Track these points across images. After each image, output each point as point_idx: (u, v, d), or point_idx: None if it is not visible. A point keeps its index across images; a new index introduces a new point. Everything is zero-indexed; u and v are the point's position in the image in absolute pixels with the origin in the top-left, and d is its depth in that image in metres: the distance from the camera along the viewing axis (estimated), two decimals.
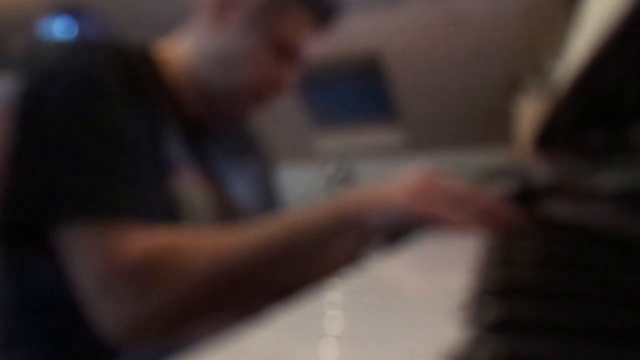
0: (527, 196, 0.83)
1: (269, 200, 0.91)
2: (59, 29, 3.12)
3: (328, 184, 3.55)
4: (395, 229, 0.60)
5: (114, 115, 0.64)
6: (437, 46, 3.06)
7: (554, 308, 0.23)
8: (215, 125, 0.79)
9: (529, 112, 2.11)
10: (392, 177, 0.62)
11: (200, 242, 0.61)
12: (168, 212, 0.67)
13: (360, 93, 3.55)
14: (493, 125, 3.08)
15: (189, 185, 0.72)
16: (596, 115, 0.59)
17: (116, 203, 0.60)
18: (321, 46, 0.78)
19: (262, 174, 0.92)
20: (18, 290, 0.67)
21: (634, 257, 0.36)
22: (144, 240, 0.59)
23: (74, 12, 3.13)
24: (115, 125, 0.63)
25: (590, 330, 0.20)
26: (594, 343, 0.19)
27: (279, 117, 0.81)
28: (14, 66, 0.69)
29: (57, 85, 0.63)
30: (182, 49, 0.77)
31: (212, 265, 0.59)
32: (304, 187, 3.22)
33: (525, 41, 2.77)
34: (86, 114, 0.62)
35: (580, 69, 0.49)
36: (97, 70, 0.65)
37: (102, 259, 0.58)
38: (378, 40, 3.03)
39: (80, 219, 0.59)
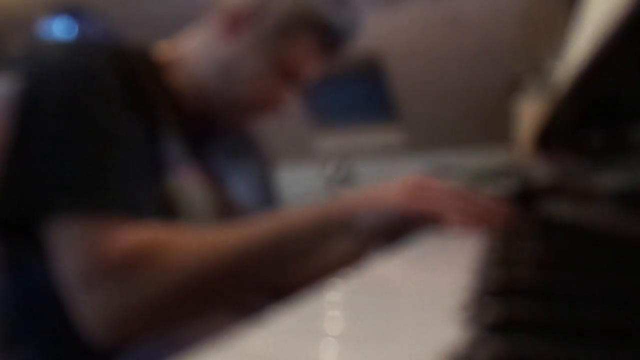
0: (527, 196, 0.83)
1: (268, 201, 0.92)
2: (59, 29, 3.12)
3: (328, 184, 3.55)
4: (392, 229, 0.60)
5: (110, 114, 0.64)
6: (437, 46, 3.06)
7: (554, 308, 0.23)
8: (214, 126, 0.80)
9: (529, 112, 2.11)
10: (392, 177, 0.63)
11: (187, 239, 0.61)
12: (165, 211, 0.67)
13: (360, 93, 3.55)
14: (493, 125, 3.07)
15: (189, 185, 0.72)
16: (596, 115, 0.59)
17: (105, 197, 0.60)
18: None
19: (261, 174, 0.93)
20: (17, 290, 0.67)
21: (634, 257, 0.36)
22: (129, 236, 0.59)
23: (74, 12, 3.13)
24: (110, 124, 0.63)
25: (590, 330, 0.20)
26: (594, 343, 0.19)
27: (278, 117, 0.82)
28: (14, 66, 0.69)
29: (54, 84, 0.64)
30: (185, 52, 0.77)
31: (197, 262, 0.59)
32: (304, 187, 3.22)
33: (525, 41, 2.77)
34: (81, 112, 0.62)
35: (580, 69, 0.49)
36: (96, 70, 0.65)
37: (85, 253, 0.58)
38: (378, 40, 3.02)
39: (68, 211, 0.59)
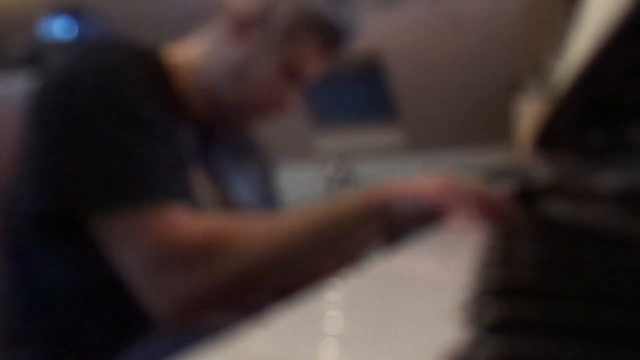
0: (527, 196, 0.83)
1: (269, 202, 0.92)
2: (59, 29, 3.12)
3: (328, 184, 3.55)
4: (420, 219, 0.65)
5: (144, 107, 0.66)
6: (437, 46, 3.06)
7: (554, 308, 0.23)
8: (219, 128, 0.81)
9: (529, 112, 2.11)
10: (392, 177, 0.67)
11: (251, 226, 0.64)
12: (187, 201, 0.68)
13: (360, 93, 3.55)
14: (493, 125, 3.07)
15: (195, 184, 0.73)
16: (596, 115, 0.59)
17: (159, 188, 0.62)
18: None
19: (263, 175, 0.94)
20: (25, 288, 0.67)
21: (634, 257, 0.36)
22: (196, 224, 0.61)
23: (74, 12, 3.13)
24: (146, 116, 0.65)
25: (590, 330, 0.20)
26: (594, 343, 0.19)
27: (281, 117, 0.82)
28: (25, 65, 0.70)
29: (89, 80, 0.65)
30: (193, 54, 0.78)
31: (263, 249, 0.62)
32: (304, 187, 3.22)
33: (525, 41, 2.77)
34: (119, 106, 0.64)
35: (580, 69, 0.49)
36: (123, 66, 0.67)
37: (155, 240, 0.60)
38: (378, 40, 3.02)
39: (128, 205, 0.60)
